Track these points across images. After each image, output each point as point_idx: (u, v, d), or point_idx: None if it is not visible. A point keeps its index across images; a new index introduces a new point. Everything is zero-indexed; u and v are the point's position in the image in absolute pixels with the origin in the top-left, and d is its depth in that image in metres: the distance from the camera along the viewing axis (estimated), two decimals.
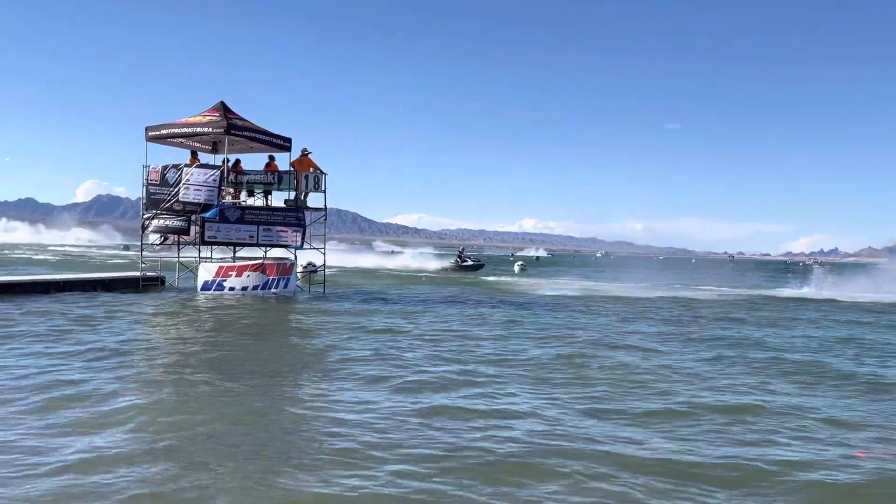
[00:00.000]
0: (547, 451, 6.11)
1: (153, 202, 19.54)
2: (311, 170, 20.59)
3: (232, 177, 20.30)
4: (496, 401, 7.98)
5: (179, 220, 19.42)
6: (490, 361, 10.55)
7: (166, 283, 21.40)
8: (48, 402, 7.26)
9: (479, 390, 8.51)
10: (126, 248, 66.09)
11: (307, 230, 20.28)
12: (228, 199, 20.35)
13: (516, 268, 51.08)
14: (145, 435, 6.25)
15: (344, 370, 9.50)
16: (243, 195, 21.03)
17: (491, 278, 37.33)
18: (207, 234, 19.28)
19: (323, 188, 20.69)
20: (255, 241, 19.72)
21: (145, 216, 19.92)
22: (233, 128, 19.60)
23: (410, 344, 12.00)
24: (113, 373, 8.83)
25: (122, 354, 10.12)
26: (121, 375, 8.70)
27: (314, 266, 22.99)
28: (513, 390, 8.56)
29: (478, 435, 6.51)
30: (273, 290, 19.44)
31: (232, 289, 19.25)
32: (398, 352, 11.10)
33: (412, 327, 14.31)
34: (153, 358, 10.02)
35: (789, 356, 12.16)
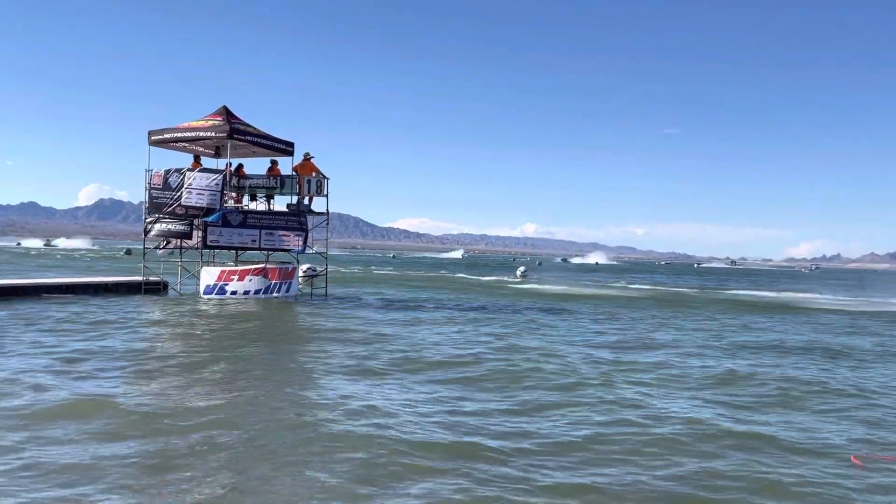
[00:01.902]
0: None
1: (156, 206, 19.58)
2: (314, 174, 20.64)
3: (234, 181, 20.35)
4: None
5: (182, 224, 19.45)
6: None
7: (168, 287, 21.43)
8: (53, 405, 7.28)
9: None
10: (128, 252, 66.21)
11: (309, 234, 20.32)
12: (231, 203, 20.40)
13: (518, 273, 51.36)
14: (149, 436, 6.28)
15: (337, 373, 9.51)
16: (246, 199, 21.07)
17: (528, 285, 37.26)
18: (210, 238, 19.32)
19: (325, 192, 20.75)
20: (257, 246, 19.75)
21: (148, 220, 19.96)
22: (235, 132, 19.66)
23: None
24: (114, 376, 8.85)
25: (126, 359, 10.12)
26: (123, 379, 8.72)
27: (314, 270, 23.01)
28: None
29: None
30: (275, 294, 19.46)
31: (234, 293, 19.27)
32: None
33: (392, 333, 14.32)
34: (155, 362, 10.02)
35: None
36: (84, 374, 8.84)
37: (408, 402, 7.86)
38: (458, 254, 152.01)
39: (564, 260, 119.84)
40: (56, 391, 7.81)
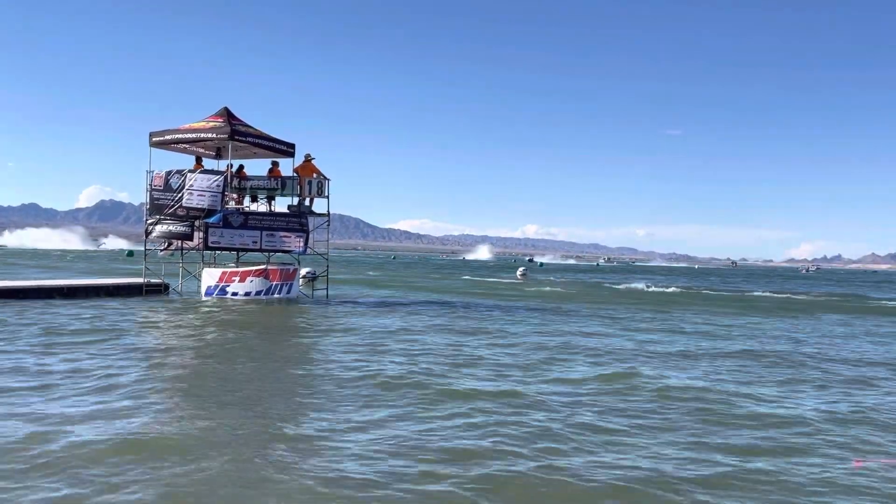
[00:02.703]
0: None
1: (157, 207, 19.55)
2: (315, 175, 20.62)
3: (235, 182, 20.33)
4: None
5: (183, 226, 19.43)
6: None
7: (170, 289, 21.39)
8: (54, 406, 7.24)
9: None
10: (130, 253, 66.24)
11: (310, 236, 20.30)
12: (232, 204, 20.37)
13: (518, 273, 51.67)
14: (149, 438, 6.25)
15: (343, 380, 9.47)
16: (247, 200, 21.05)
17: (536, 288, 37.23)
18: (211, 239, 19.30)
19: (326, 194, 20.72)
20: (258, 247, 19.72)
21: (149, 221, 19.93)
22: (236, 133, 19.64)
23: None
24: (117, 380, 8.82)
25: (128, 362, 10.10)
26: (126, 382, 8.70)
27: (314, 273, 23.00)
28: None
29: None
30: (276, 296, 19.44)
31: (235, 294, 19.24)
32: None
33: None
34: (157, 365, 10.00)
35: None
36: (55, 396, 8.28)
37: (396, 435, 6.88)
38: (473, 255, 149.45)
39: (531, 260, 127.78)
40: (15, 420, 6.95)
